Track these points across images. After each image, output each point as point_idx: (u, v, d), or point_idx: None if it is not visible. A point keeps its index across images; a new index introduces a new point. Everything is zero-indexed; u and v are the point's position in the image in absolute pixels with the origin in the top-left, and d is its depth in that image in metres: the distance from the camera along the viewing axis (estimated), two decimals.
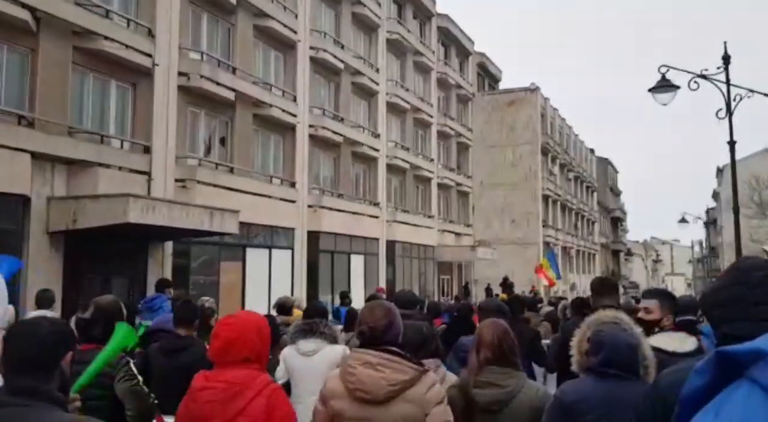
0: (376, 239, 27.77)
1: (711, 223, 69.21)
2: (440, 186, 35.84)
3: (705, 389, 1.07)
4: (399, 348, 3.06)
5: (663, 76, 12.63)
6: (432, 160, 34.64)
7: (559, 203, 50.95)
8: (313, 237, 22.94)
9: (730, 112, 12.35)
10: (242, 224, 18.93)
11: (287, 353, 5.23)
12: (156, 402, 3.95)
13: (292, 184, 22.10)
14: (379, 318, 3.12)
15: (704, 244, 70.64)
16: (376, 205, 28.02)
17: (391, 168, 29.68)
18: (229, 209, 15.75)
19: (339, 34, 25.93)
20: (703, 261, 68.81)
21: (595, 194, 68.07)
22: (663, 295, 4.72)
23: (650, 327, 4.09)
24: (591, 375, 3.03)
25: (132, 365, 3.88)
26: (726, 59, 12.52)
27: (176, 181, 16.97)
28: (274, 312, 8.99)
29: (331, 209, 23.72)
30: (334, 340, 5.32)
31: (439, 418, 2.92)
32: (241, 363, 2.95)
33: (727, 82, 12.40)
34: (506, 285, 25.53)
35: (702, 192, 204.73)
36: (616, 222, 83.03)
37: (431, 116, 34.47)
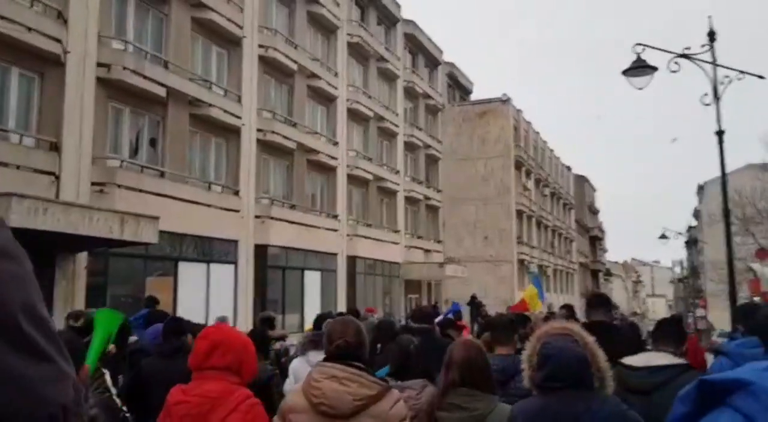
0: (335, 254, 25.79)
1: (692, 243, 68.02)
2: (407, 199, 33.98)
3: (687, 416, 1.10)
4: (364, 365, 3.07)
5: (638, 57, 10.93)
6: (398, 171, 32.80)
7: (534, 219, 49.30)
8: (261, 250, 20.92)
9: (717, 97, 10.66)
10: (173, 235, 16.99)
11: (297, 365, 5.14)
12: (128, 415, 4.07)
13: (236, 192, 20.09)
14: (353, 333, 3.13)
15: (685, 264, 69.36)
16: (335, 217, 26.08)
17: (352, 178, 27.79)
18: (146, 215, 13.68)
19: (292, 33, 24.11)
20: (684, 282, 67.50)
21: (572, 212, 66.67)
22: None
23: None
24: (538, 391, 2.95)
25: (107, 377, 4.02)
26: (711, 35, 10.83)
27: (93, 184, 14.94)
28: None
29: (281, 220, 21.72)
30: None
31: None
32: (222, 372, 2.92)
33: (713, 62, 10.70)
34: (474, 304, 23.58)
35: (682, 212, 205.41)
36: (595, 242, 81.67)
37: (397, 126, 32.72)
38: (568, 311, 8.38)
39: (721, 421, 1.02)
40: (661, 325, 4.35)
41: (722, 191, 11.34)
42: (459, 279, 35.50)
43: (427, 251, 35.44)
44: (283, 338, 10.72)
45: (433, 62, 39.36)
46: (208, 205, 18.37)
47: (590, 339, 3.02)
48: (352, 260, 27.07)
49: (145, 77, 16.24)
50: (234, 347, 3.01)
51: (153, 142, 17.48)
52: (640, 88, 11.02)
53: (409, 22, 35.36)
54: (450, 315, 10.78)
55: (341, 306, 25.01)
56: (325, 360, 3.12)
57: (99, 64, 15.34)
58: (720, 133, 11.01)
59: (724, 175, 11.13)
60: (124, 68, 15.71)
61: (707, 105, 10.77)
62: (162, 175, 17.15)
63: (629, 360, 3.72)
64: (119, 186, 15.30)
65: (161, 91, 16.84)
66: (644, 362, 3.73)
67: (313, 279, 24.16)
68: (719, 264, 36.29)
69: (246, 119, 20.45)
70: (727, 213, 11.45)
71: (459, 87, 46.03)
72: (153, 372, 5.01)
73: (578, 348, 2.92)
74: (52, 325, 0.77)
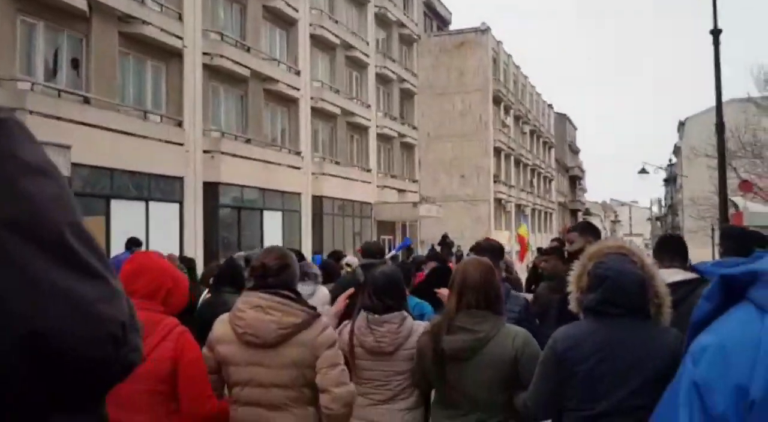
0: (298, 194, 23.92)
1: (671, 181, 66.97)
2: (380, 136, 31.97)
3: (712, 313, 1.09)
4: (292, 293, 3.04)
5: None
6: (369, 106, 30.66)
7: (512, 157, 47.56)
8: (211, 188, 18.99)
9: None
10: (102, 169, 15.03)
11: None
12: None
13: (178, 123, 17.99)
14: (274, 258, 3.09)
15: (663, 203, 68.55)
16: (298, 154, 24.09)
17: (317, 112, 25.68)
18: (54, 143, 11.66)
19: None
20: (662, 220, 66.79)
21: (552, 151, 65.11)
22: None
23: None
24: (589, 315, 2.75)
25: None
26: None
27: None
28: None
29: (235, 156, 19.71)
30: (318, 280, 5.33)
31: (329, 361, 2.92)
32: (146, 301, 2.73)
33: None
34: (446, 244, 21.98)
35: (663, 151, 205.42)
36: (575, 181, 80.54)
37: (368, 56, 30.39)
38: (559, 243, 8.13)
39: (736, 315, 1.03)
40: (665, 242, 4.20)
41: (716, 97, 10.46)
42: (434, 220, 33.98)
43: (401, 191, 33.69)
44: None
45: None
46: (144, 137, 16.27)
47: (648, 260, 2.88)
48: (318, 200, 25.26)
49: None
50: (163, 274, 2.89)
51: (75, 63, 15.26)
52: None
53: None
54: (398, 251, 10.17)
55: (306, 249, 23.37)
56: (250, 289, 3.09)
57: None
58: (716, 32, 9.71)
59: (719, 79, 10.14)
60: None
61: None
62: (86, 101, 15.01)
63: None
64: (31, 112, 13.15)
65: (82, 4, 14.58)
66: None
67: (273, 220, 22.35)
68: (699, 199, 35.09)
69: (189, 40, 18.16)
70: (721, 128, 10.94)
71: (436, 16, 43.44)
72: None
73: (637, 270, 2.72)
74: (97, 242, 0.72)
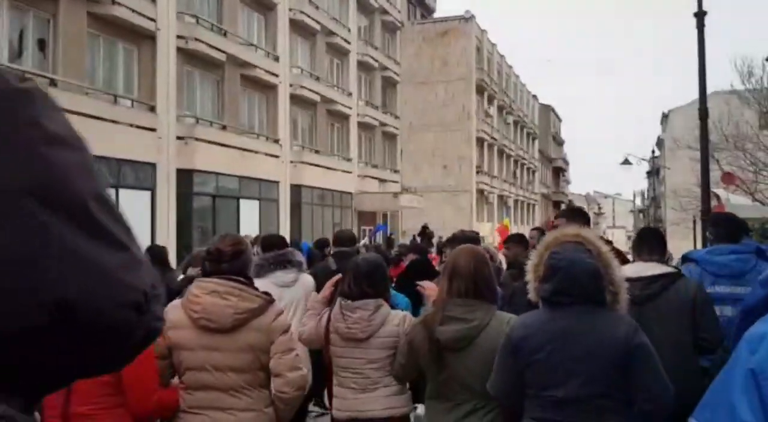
0: (276, 182, 23.49)
1: (654, 173, 67.12)
2: (361, 125, 31.54)
3: (766, 299, 1.06)
4: (245, 279, 3.07)
5: None
6: (350, 94, 30.21)
7: (495, 148, 47.27)
8: (185, 176, 18.53)
9: None
10: None
11: (260, 286, 4.25)
12: None
13: (151, 108, 17.49)
14: (229, 244, 3.09)
15: (646, 195, 68.78)
16: (276, 141, 23.63)
17: (296, 99, 25.21)
18: None
19: None
20: (644, 212, 67.02)
21: (536, 142, 64.95)
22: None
23: None
24: (545, 305, 2.81)
25: None
26: None
27: None
28: None
29: (210, 143, 19.24)
30: (302, 268, 5.28)
31: (284, 346, 3.00)
32: None
33: None
34: (426, 235, 21.70)
35: (646, 144, 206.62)
36: (558, 173, 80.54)
37: (349, 43, 29.91)
38: (540, 233, 8.21)
39: None
40: (644, 235, 4.23)
41: (699, 80, 10.30)
42: (416, 210, 33.66)
43: (382, 181, 33.31)
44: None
45: None
46: (115, 122, 15.76)
47: (605, 248, 2.92)
48: (297, 189, 24.86)
49: None
50: None
51: (41, 45, 14.72)
52: None
53: None
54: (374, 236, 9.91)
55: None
56: (204, 275, 3.14)
57: None
58: (700, 15, 9.60)
59: (703, 62, 9.96)
60: None
61: None
62: (53, 83, 14.46)
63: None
64: None
65: None
66: (635, 273, 3.57)
67: (250, 209, 21.92)
68: (681, 191, 35.06)
69: (162, 23, 17.61)
70: (704, 113, 10.71)
71: (420, 4, 43.00)
72: None
73: (590, 260, 2.75)
74: (121, 213, 0.74)
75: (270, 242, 5.49)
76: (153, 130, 17.23)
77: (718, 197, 20.27)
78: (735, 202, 14.97)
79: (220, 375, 2.96)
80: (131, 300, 0.69)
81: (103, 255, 0.68)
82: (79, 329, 0.65)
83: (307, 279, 5.20)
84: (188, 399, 3.01)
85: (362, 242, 15.49)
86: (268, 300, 3.05)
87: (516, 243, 6.71)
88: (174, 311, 3.03)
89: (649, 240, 4.03)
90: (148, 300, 0.71)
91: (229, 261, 3.04)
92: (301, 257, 5.41)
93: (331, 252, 7.50)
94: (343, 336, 3.49)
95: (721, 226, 4.34)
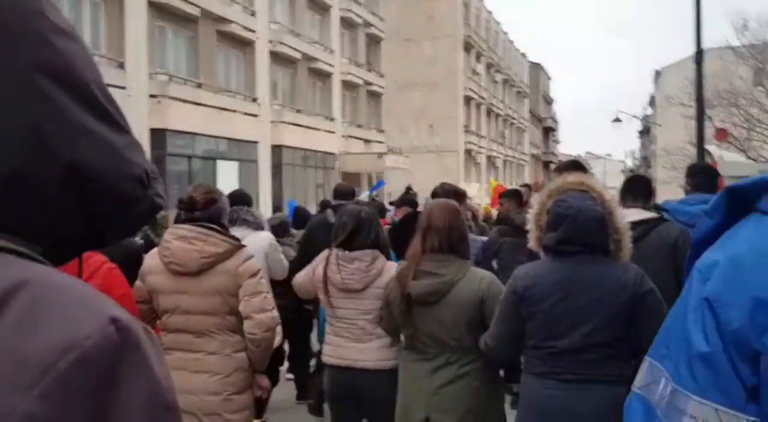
0: (255, 142, 22.79)
1: (645, 132, 66.68)
2: (345, 84, 30.74)
3: (715, 229, 1.05)
4: (219, 226, 3.18)
5: None
6: (332, 51, 29.31)
7: (483, 107, 46.57)
8: (159, 135, 17.83)
9: None
10: None
11: None
12: None
13: (120, 65, 16.68)
14: (201, 193, 3.21)
15: (637, 155, 68.51)
16: (254, 100, 22.86)
17: (276, 56, 24.37)
18: None
19: None
20: (635, 172, 66.78)
21: (526, 101, 64.18)
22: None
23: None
24: (549, 254, 2.77)
25: None
26: None
27: None
28: None
29: (184, 101, 18.50)
30: (259, 227, 5.18)
31: (252, 290, 3.09)
32: None
33: None
34: (409, 196, 21.11)
35: (640, 102, 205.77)
36: (548, 132, 79.95)
37: None
38: (528, 190, 8.19)
39: (746, 229, 0.98)
40: (630, 183, 4.21)
41: (695, 31, 10.04)
42: (401, 171, 33.04)
43: (367, 141, 32.68)
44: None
45: None
46: None
47: (609, 195, 2.90)
48: (277, 149, 24.20)
49: None
50: None
51: None
52: None
53: None
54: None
55: (265, 200, 22.45)
56: (177, 221, 3.30)
57: None
58: None
59: (699, 20, 9.68)
60: None
61: None
62: None
63: None
64: None
65: None
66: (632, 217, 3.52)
67: (228, 170, 21.27)
68: (672, 149, 34.59)
69: None
70: (699, 56, 10.41)
71: None
72: None
73: (596, 207, 2.71)
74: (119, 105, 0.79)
75: (231, 199, 5.28)
76: (122, 87, 16.40)
77: (710, 154, 19.80)
78: (728, 158, 14.50)
79: (190, 317, 3.10)
80: (136, 174, 0.71)
81: (108, 133, 0.70)
82: (89, 193, 0.68)
83: (257, 239, 4.95)
84: (164, 340, 3.14)
85: (363, 195, 15.05)
86: (237, 245, 3.14)
87: (510, 198, 6.70)
88: (151, 258, 3.25)
89: (633, 188, 3.99)
90: (149, 178, 0.74)
91: (202, 210, 3.14)
92: (255, 216, 5.27)
93: (332, 205, 7.43)
94: (338, 286, 3.50)
95: (699, 176, 4.31)
